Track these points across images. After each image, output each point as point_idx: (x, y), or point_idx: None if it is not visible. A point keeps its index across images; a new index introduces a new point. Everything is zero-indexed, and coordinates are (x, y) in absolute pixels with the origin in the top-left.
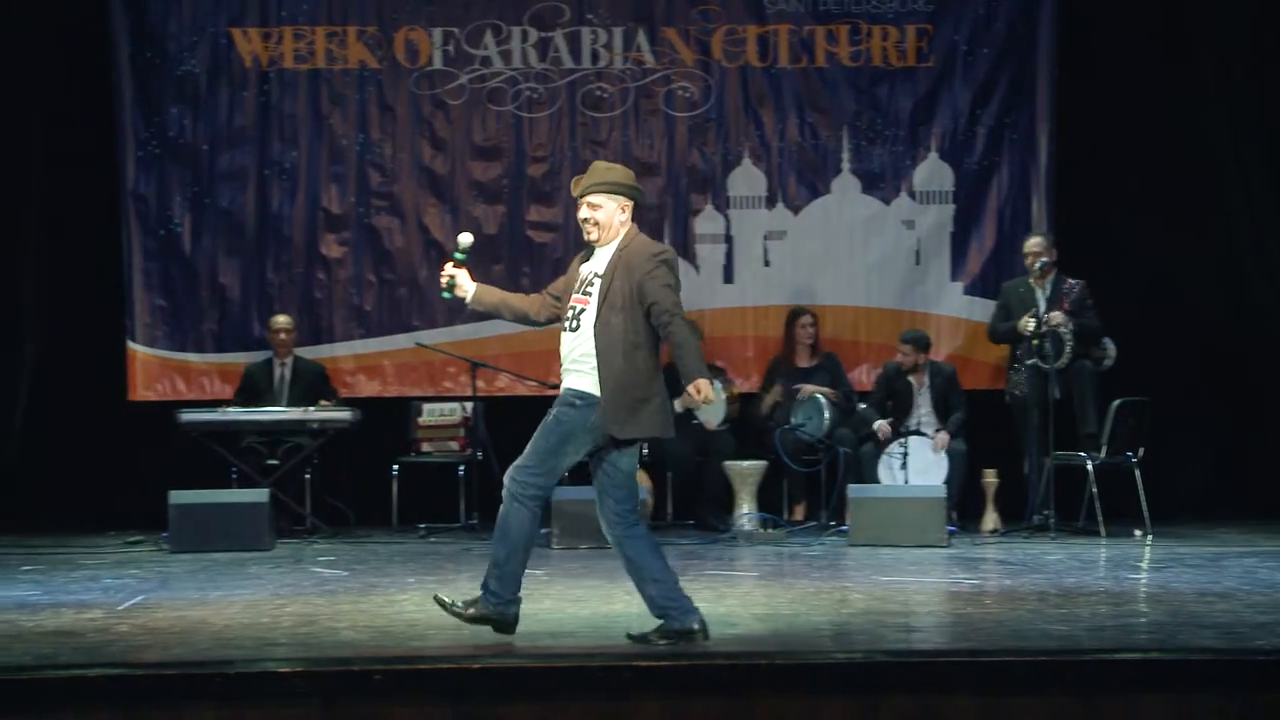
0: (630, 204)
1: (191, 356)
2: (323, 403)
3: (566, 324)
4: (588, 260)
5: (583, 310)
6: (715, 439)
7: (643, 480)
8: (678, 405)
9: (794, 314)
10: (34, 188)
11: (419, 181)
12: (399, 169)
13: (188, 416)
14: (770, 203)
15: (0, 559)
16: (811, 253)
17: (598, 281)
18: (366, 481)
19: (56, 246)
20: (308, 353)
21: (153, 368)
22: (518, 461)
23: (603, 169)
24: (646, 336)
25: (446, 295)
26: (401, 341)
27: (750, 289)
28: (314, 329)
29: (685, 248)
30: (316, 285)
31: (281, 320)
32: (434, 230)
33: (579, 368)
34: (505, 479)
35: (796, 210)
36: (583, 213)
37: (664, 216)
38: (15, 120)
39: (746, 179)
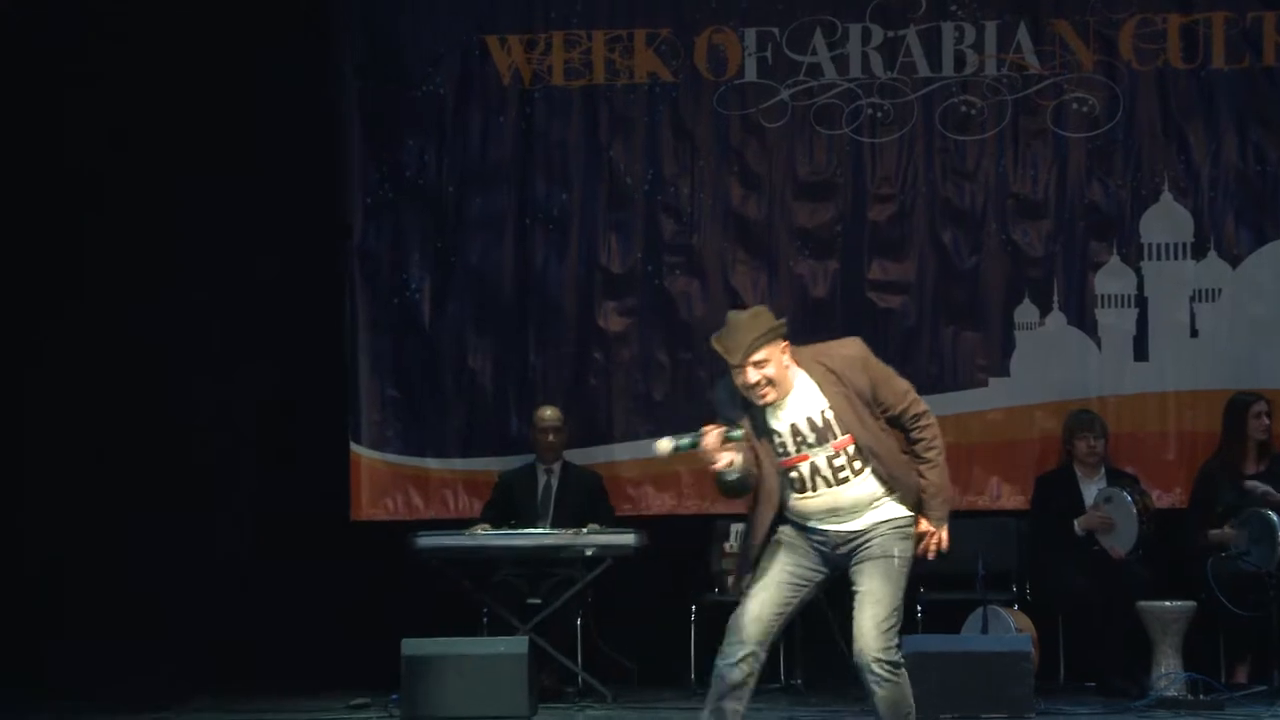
0: (785, 342)
1: (431, 462)
2: (592, 526)
3: (805, 484)
4: (762, 415)
5: (842, 459)
6: (1124, 571)
7: (1025, 626)
8: (1078, 527)
9: (1239, 402)
10: (239, 244)
11: (725, 230)
12: (699, 214)
13: (426, 541)
14: (1199, 251)
15: None
16: (1257, 318)
17: (829, 419)
18: (656, 627)
19: (267, 324)
20: (580, 456)
21: (382, 477)
22: (873, 630)
23: (746, 320)
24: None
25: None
26: None
27: (1172, 368)
28: (588, 426)
29: (1082, 313)
30: (592, 368)
31: (548, 415)
32: (745, 294)
33: (877, 504)
34: (872, 661)
35: (1236, 261)
36: (750, 377)
37: (1053, 271)
38: (221, 154)
39: (1166, 220)
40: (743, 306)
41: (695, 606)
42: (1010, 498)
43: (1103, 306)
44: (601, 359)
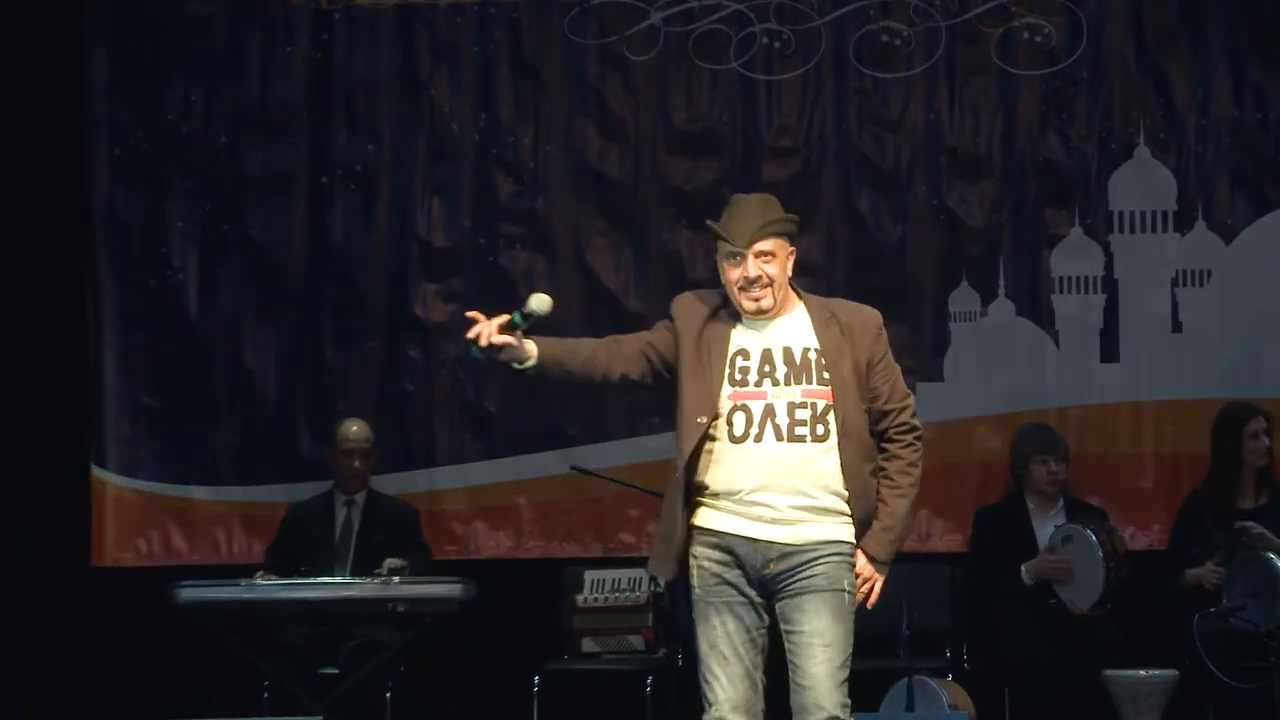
0: (794, 249)
1: (198, 492)
2: (392, 562)
3: (750, 428)
4: (733, 330)
5: (807, 412)
6: (1087, 631)
7: (962, 702)
8: (1027, 574)
9: (1233, 416)
10: None
11: (580, 192)
12: (546, 171)
13: (191, 593)
14: (1184, 222)
15: None
16: (1258, 307)
17: (811, 360)
18: (490, 701)
19: None
20: (391, 484)
21: (134, 511)
22: (827, 680)
23: (757, 203)
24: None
25: (478, 356)
26: (549, 464)
27: (1149, 371)
28: (402, 444)
29: (1034, 299)
30: (407, 370)
31: (354, 432)
32: (604, 274)
33: (825, 504)
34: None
35: (1230, 234)
36: (750, 269)
37: (998, 246)
38: None
39: (1142, 182)
40: (602, 289)
41: (539, 676)
42: (943, 537)
43: (1061, 292)
44: (419, 358)
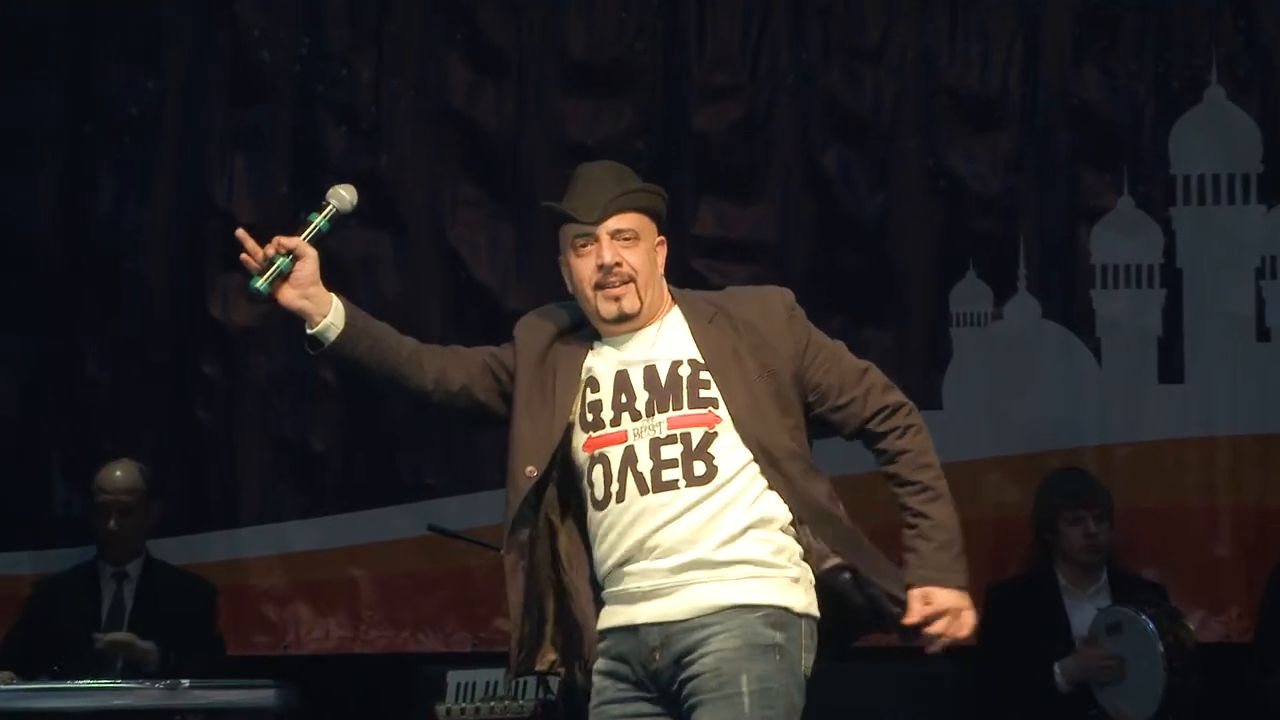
0: (663, 239)
1: None
2: (121, 637)
3: (609, 487)
4: (588, 353)
5: (677, 448)
6: None
7: None
8: (1060, 675)
9: None
10: None
11: (441, 145)
12: (394, 117)
13: None
14: (1272, 189)
15: None
16: None
17: (683, 376)
18: None
19: None
20: (177, 550)
21: None
22: None
23: (608, 171)
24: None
25: (262, 289)
26: (396, 524)
27: (1224, 396)
28: (193, 496)
29: (1066, 296)
30: (200, 393)
31: (119, 477)
32: (474, 260)
33: (727, 557)
34: None
35: None
36: (605, 254)
37: (1016, 223)
38: None
39: (1215, 135)
40: (472, 280)
41: None
42: None
43: (1104, 286)
44: (217, 374)
